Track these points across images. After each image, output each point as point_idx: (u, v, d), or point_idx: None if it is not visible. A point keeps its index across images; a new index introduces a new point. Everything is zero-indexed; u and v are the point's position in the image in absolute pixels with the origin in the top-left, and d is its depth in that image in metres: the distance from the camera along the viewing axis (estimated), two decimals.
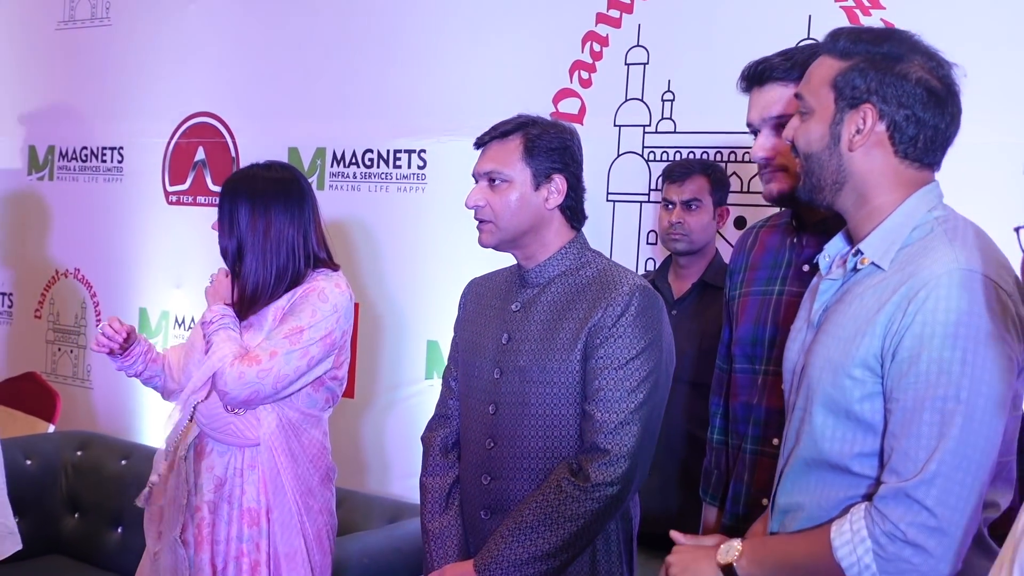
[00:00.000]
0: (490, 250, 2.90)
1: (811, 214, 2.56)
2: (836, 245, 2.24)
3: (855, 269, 2.12)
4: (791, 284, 2.61)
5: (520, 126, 2.80)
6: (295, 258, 3.29)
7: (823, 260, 2.25)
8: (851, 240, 2.20)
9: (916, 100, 2.06)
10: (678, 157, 4.13)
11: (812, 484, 2.12)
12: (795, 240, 2.64)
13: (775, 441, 2.56)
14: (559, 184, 2.79)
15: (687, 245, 3.87)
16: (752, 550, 2.14)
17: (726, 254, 3.76)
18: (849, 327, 2.05)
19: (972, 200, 2.19)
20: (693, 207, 3.84)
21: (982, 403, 1.92)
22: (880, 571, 1.93)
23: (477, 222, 2.83)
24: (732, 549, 2.15)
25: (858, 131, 2.07)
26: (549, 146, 2.78)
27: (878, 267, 2.07)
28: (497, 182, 2.78)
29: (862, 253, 2.10)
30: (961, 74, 2.10)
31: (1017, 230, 1.65)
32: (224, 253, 3.31)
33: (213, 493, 3.26)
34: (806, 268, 2.58)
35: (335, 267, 3.38)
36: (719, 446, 2.84)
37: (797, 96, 2.18)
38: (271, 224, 3.27)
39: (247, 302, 3.28)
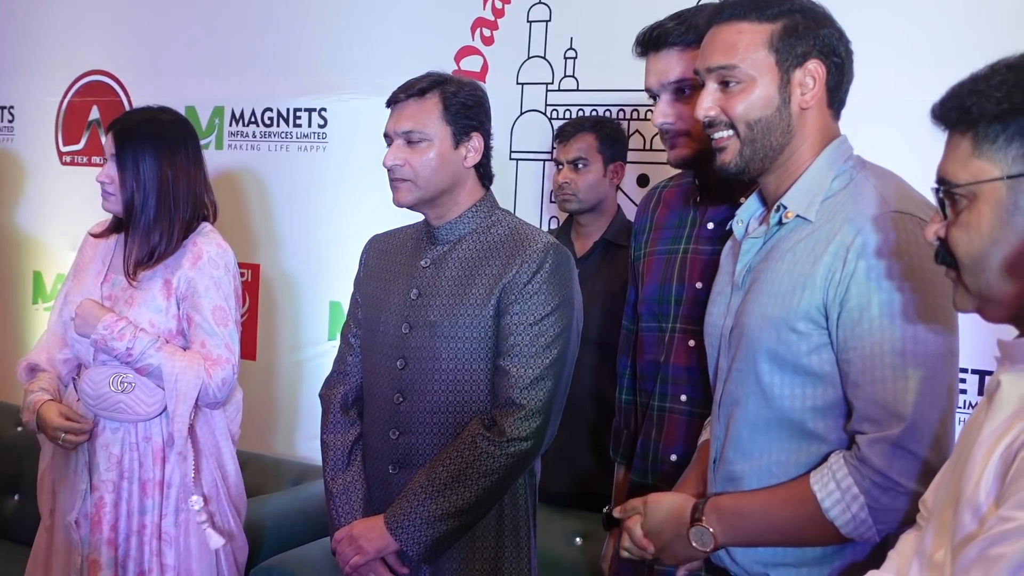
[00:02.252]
0: (390, 210, 2.87)
1: (712, 174, 2.57)
2: (749, 209, 2.26)
3: (780, 223, 2.13)
4: (696, 242, 2.62)
5: (436, 83, 2.77)
6: (196, 208, 3.25)
7: (737, 225, 2.27)
8: (764, 201, 2.22)
9: (841, 48, 2.12)
10: (580, 115, 4.13)
11: (759, 449, 2.13)
12: (698, 199, 2.65)
13: (683, 397, 2.59)
14: (477, 142, 2.78)
15: (577, 204, 3.90)
16: (724, 525, 2.11)
17: (630, 212, 3.77)
18: (785, 282, 2.06)
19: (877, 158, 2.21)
20: (580, 166, 3.86)
21: (940, 342, 1.96)
22: (876, 522, 1.96)
23: (392, 180, 2.79)
24: (705, 535, 2.12)
25: (806, 89, 2.10)
26: (466, 103, 2.76)
27: (804, 219, 2.09)
28: (416, 141, 2.74)
29: (785, 208, 2.12)
30: None
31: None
32: (128, 206, 3.18)
33: (113, 471, 3.20)
34: (710, 226, 2.60)
35: (210, 220, 3.34)
36: (628, 406, 2.86)
37: (717, 69, 2.14)
38: (179, 171, 3.21)
39: (146, 257, 3.19)
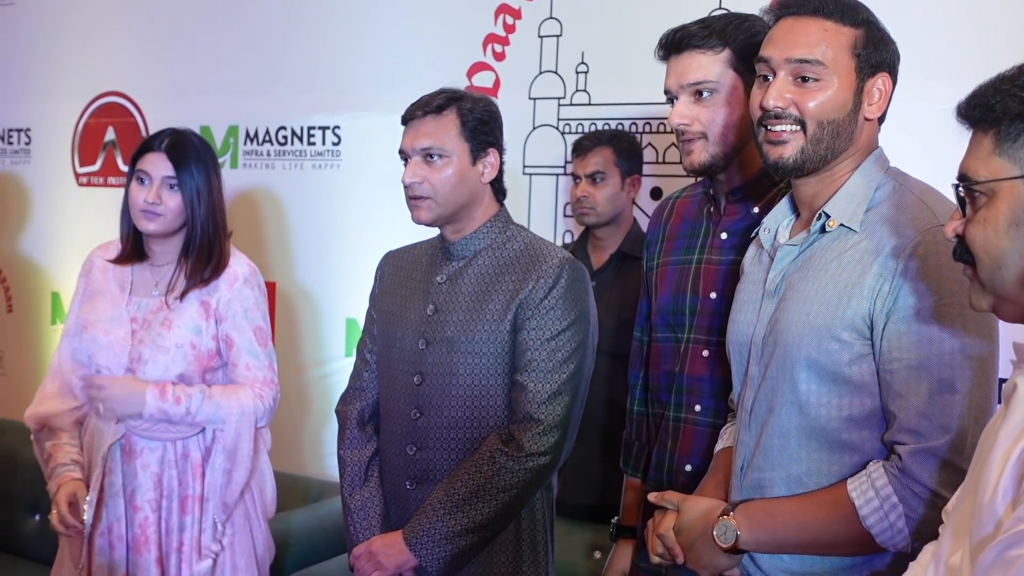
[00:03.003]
0: (405, 227, 2.89)
1: (726, 183, 2.58)
2: (776, 216, 2.26)
3: (822, 231, 2.14)
4: (709, 252, 2.63)
5: (452, 100, 2.78)
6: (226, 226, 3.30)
7: (764, 233, 2.27)
8: (796, 208, 2.23)
9: (898, 64, 2.15)
10: (593, 129, 4.15)
11: (789, 457, 2.13)
12: (711, 209, 2.66)
13: (697, 408, 2.59)
14: (493, 158, 2.81)
15: (595, 218, 3.93)
16: (752, 522, 2.11)
17: (644, 224, 3.78)
18: (830, 291, 2.07)
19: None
20: (598, 180, 3.89)
21: (985, 354, 1.98)
22: (912, 532, 1.96)
23: (410, 198, 2.80)
24: (728, 529, 2.12)
25: (873, 100, 2.13)
26: (482, 119, 2.79)
27: (848, 229, 2.10)
28: (435, 158, 2.76)
29: (828, 216, 2.12)
30: None
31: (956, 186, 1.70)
32: (187, 226, 3.19)
33: (153, 491, 3.20)
34: (724, 236, 2.60)
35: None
36: (639, 417, 2.87)
37: (795, 61, 2.11)
38: (220, 191, 3.26)
39: (202, 276, 3.21)
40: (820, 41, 2.09)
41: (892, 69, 2.14)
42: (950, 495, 1.89)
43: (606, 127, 4.12)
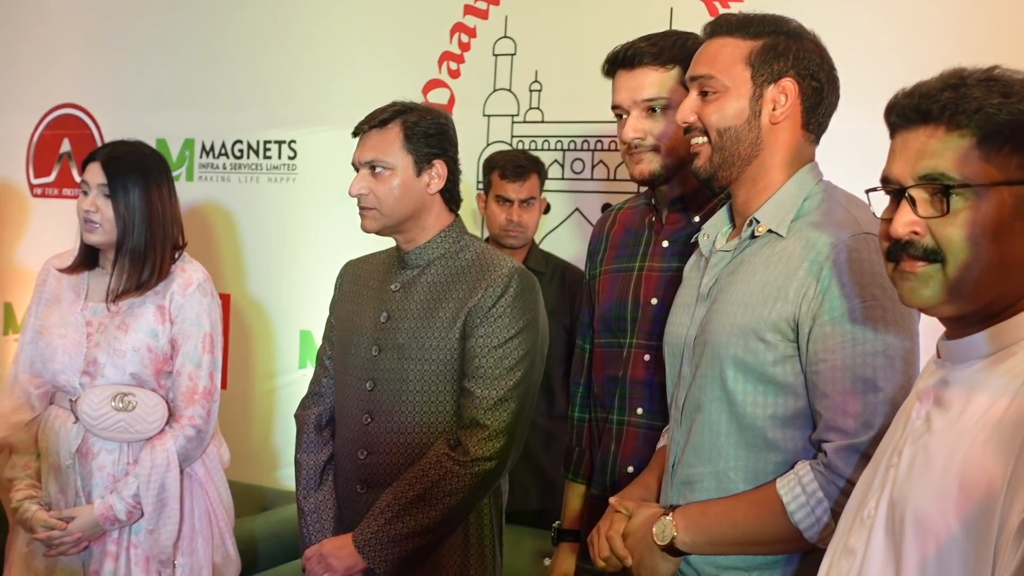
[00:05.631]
0: (358, 240, 2.94)
1: (668, 193, 2.67)
2: (716, 224, 2.35)
3: (752, 236, 2.22)
4: (651, 260, 2.70)
5: (397, 113, 2.84)
6: (177, 237, 3.32)
7: (703, 239, 2.36)
8: (732, 217, 2.31)
9: (822, 74, 2.22)
10: (546, 146, 4.21)
11: (717, 454, 2.19)
12: (653, 219, 2.73)
13: (639, 411, 2.66)
14: (439, 169, 2.85)
15: (522, 241, 4.00)
16: (689, 522, 2.17)
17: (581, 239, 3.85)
18: (757, 294, 2.15)
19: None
20: (529, 204, 3.94)
21: (907, 353, 2.05)
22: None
23: (359, 208, 2.86)
24: (667, 527, 2.18)
25: (778, 105, 2.20)
26: (427, 132, 2.83)
27: (776, 234, 2.18)
28: (379, 169, 2.82)
29: (758, 222, 2.21)
30: None
31: (867, 192, 1.77)
32: (119, 236, 3.20)
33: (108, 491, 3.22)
34: (665, 244, 2.68)
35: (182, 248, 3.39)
36: (580, 423, 2.91)
37: (698, 78, 2.25)
38: (164, 201, 3.27)
39: (134, 285, 3.23)
40: (716, 56, 2.23)
41: (803, 75, 2.20)
42: None
43: (558, 144, 4.19)
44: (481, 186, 4.19)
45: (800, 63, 2.21)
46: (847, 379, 2.04)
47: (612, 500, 2.40)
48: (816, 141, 2.29)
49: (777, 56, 2.20)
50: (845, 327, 2.05)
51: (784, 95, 2.20)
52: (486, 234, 4.13)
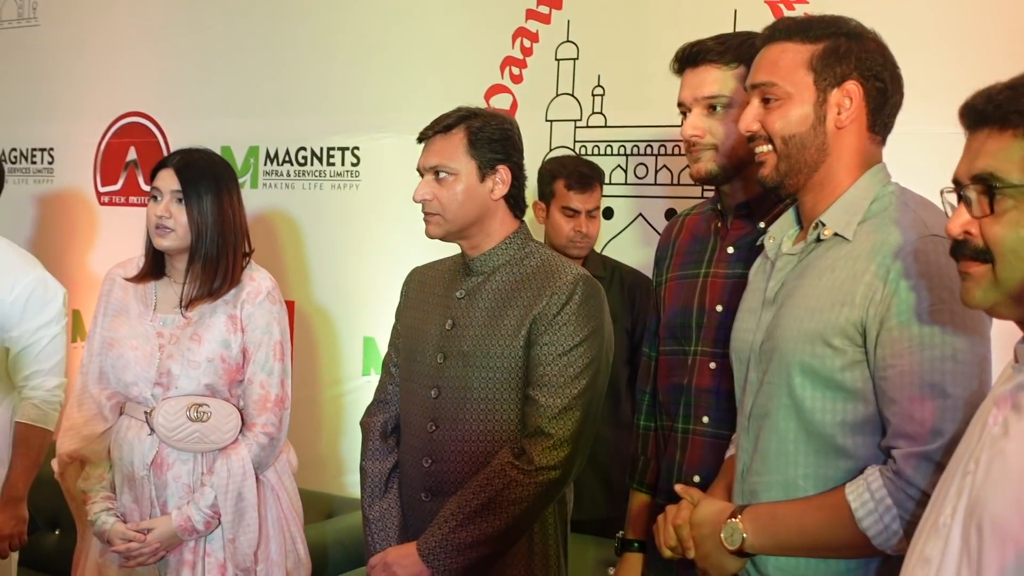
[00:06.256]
0: (422, 246, 2.93)
1: (733, 198, 2.64)
2: (783, 226, 2.33)
3: (818, 240, 2.19)
4: (716, 266, 2.67)
5: (462, 119, 2.84)
6: (245, 244, 3.35)
7: (768, 241, 2.33)
8: (800, 219, 2.28)
9: (885, 73, 2.19)
10: (609, 151, 4.18)
11: (786, 461, 2.17)
12: (719, 224, 2.71)
13: (705, 419, 2.63)
14: (503, 174, 2.85)
15: (587, 251, 3.97)
16: (757, 525, 2.16)
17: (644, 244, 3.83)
18: (824, 298, 2.12)
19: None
20: (594, 214, 3.92)
21: (978, 358, 2.02)
22: (908, 534, 1.97)
23: (424, 214, 2.86)
24: (735, 531, 2.16)
25: (843, 109, 2.17)
26: (491, 137, 2.83)
27: (842, 238, 2.15)
28: (443, 175, 2.82)
29: (824, 225, 2.18)
30: None
31: (941, 193, 1.74)
32: (193, 242, 3.23)
33: (184, 501, 3.24)
34: (731, 250, 2.65)
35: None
36: (646, 431, 2.89)
37: (760, 85, 2.23)
38: (235, 208, 3.30)
39: (206, 292, 3.25)
40: (777, 62, 2.21)
41: (867, 76, 2.18)
42: None
43: (621, 148, 4.16)
44: (538, 194, 4.14)
45: (863, 64, 2.17)
46: (915, 384, 2.01)
47: (678, 487, 2.39)
48: (883, 142, 2.25)
49: (839, 59, 2.17)
50: (913, 331, 2.02)
51: (849, 98, 2.17)
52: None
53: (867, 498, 2.03)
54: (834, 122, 2.18)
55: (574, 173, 3.95)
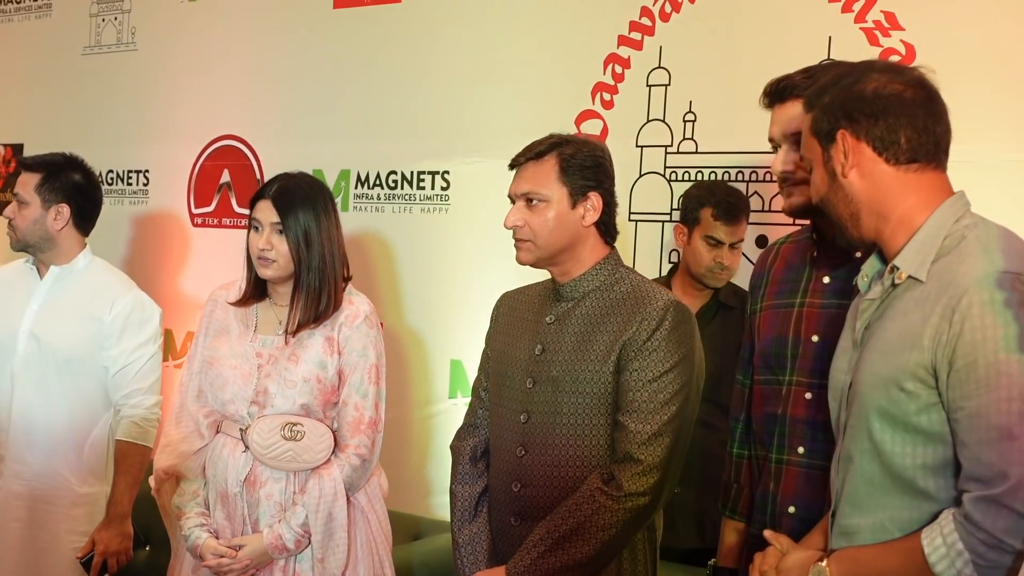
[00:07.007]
0: (510, 271, 2.94)
1: (829, 229, 2.61)
2: (873, 264, 2.30)
3: (893, 285, 2.17)
4: (811, 296, 2.67)
5: (554, 146, 2.85)
6: (345, 271, 3.38)
7: (862, 280, 2.31)
8: (884, 259, 2.26)
9: (884, 107, 2.16)
10: (699, 177, 4.17)
11: (873, 505, 2.16)
12: (815, 254, 2.70)
13: (800, 449, 2.62)
14: (595, 201, 2.85)
15: (724, 284, 3.92)
16: (842, 568, 2.16)
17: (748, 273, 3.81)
18: (896, 342, 2.11)
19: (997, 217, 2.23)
20: (736, 247, 3.88)
21: None
22: None
23: (515, 240, 2.88)
24: (822, 573, 2.16)
25: (843, 157, 2.19)
26: (583, 164, 2.83)
27: (916, 280, 2.12)
28: (535, 201, 2.83)
29: (898, 268, 2.16)
30: (929, 72, 2.20)
31: None
32: (299, 267, 3.26)
33: (276, 519, 3.27)
34: (826, 280, 2.64)
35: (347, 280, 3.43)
36: (739, 459, 2.89)
37: (801, 158, 2.32)
38: (333, 233, 3.33)
39: (312, 317, 3.28)
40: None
41: (862, 118, 2.18)
42: (1015, 542, 1.92)
43: (712, 175, 4.15)
44: (680, 217, 4.08)
45: (848, 110, 2.18)
46: (982, 427, 1.98)
47: (767, 534, 2.38)
48: (930, 165, 2.18)
49: (827, 115, 2.21)
50: (978, 373, 1.99)
51: (843, 146, 2.19)
52: (651, 261, 4.08)
53: (939, 543, 2.01)
54: (841, 173, 2.20)
55: (723, 203, 3.89)
